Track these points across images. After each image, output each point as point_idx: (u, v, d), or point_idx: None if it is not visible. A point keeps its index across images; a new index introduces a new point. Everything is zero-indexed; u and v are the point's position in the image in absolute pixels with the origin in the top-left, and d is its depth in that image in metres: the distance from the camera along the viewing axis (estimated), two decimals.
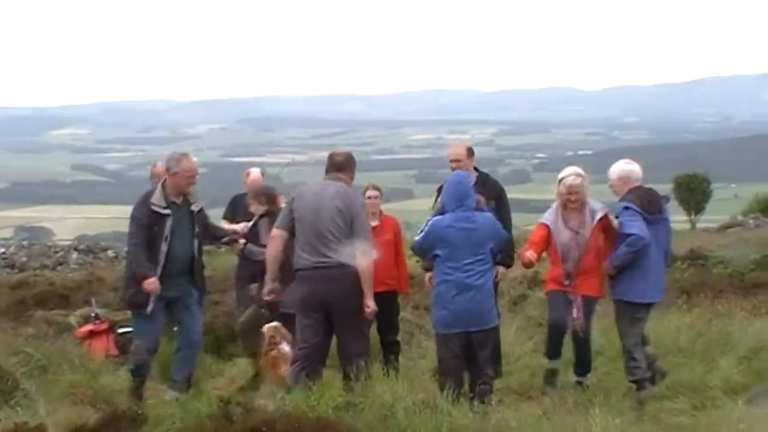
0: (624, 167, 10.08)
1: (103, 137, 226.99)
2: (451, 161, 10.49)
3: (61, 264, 28.60)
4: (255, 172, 13.25)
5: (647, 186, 10.01)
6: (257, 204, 11.24)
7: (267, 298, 9.33)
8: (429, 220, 9.13)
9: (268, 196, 11.12)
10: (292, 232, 8.98)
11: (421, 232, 9.05)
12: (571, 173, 9.95)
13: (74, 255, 29.81)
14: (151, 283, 9.51)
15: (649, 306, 9.87)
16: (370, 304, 8.80)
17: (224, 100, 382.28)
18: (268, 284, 9.21)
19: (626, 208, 9.71)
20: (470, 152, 10.72)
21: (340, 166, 9.12)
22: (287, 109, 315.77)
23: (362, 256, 8.74)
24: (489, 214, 9.16)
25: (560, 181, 9.91)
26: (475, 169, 10.51)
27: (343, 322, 8.79)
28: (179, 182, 9.73)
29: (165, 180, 9.79)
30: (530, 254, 9.65)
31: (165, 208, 9.66)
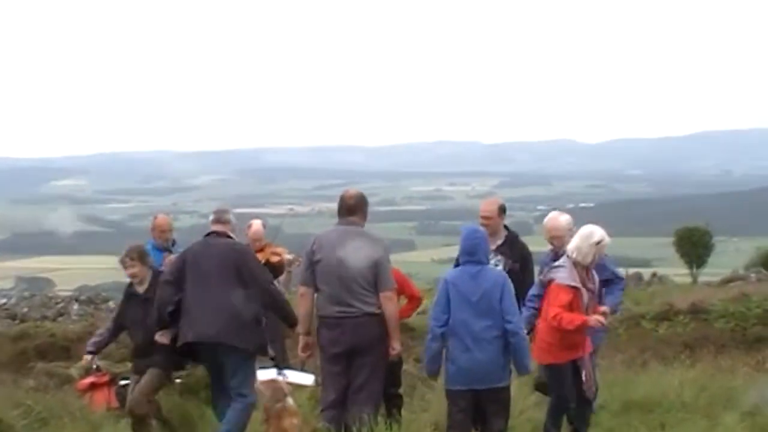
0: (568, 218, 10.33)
1: (103, 188, 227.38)
2: (482, 218, 10.44)
3: (62, 315, 28.57)
4: (257, 224, 13.31)
5: None
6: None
7: (302, 354, 9.54)
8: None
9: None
10: (317, 285, 9.03)
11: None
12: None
13: (75, 306, 29.79)
14: None
15: None
16: (396, 346, 8.97)
17: (225, 151, 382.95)
18: (302, 339, 9.32)
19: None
20: (502, 210, 10.63)
21: (353, 209, 9.13)
22: (288, 160, 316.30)
23: (387, 301, 8.86)
24: (500, 270, 9.15)
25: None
26: (506, 227, 10.47)
27: (364, 366, 8.85)
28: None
29: None
30: (596, 318, 9.26)
31: None
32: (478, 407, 8.85)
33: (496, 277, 8.90)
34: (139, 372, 9.92)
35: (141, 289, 9.93)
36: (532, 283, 10.09)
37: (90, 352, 10.33)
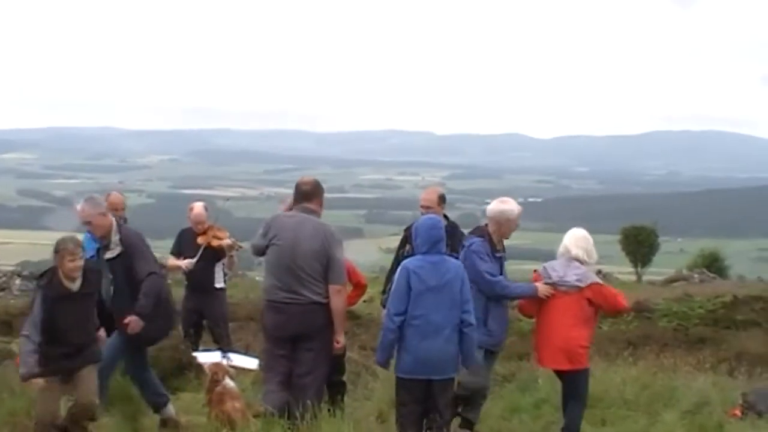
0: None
1: (50, 163, 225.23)
2: (423, 206, 10.47)
3: (3, 290, 28.23)
4: (198, 206, 13.23)
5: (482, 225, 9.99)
6: None
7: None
8: (396, 268, 9.16)
9: None
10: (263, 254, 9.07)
11: (389, 281, 9.02)
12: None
13: (17, 281, 29.44)
14: None
15: None
16: (341, 340, 8.97)
17: (175, 131, 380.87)
18: None
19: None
20: (442, 199, 10.68)
21: (309, 195, 9.12)
22: (238, 143, 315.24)
23: (336, 294, 8.85)
24: (459, 263, 9.12)
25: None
26: (445, 217, 10.46)
27: (307, 353, 8.83)
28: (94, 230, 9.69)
29: None
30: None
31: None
32: (428, 397, 8.84)
33: (456, 268, 8.89)
34: (68, 374, 8.99)
35: (75, 286, 8.99)
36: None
37: (36, 375, 8.87)
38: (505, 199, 10.02)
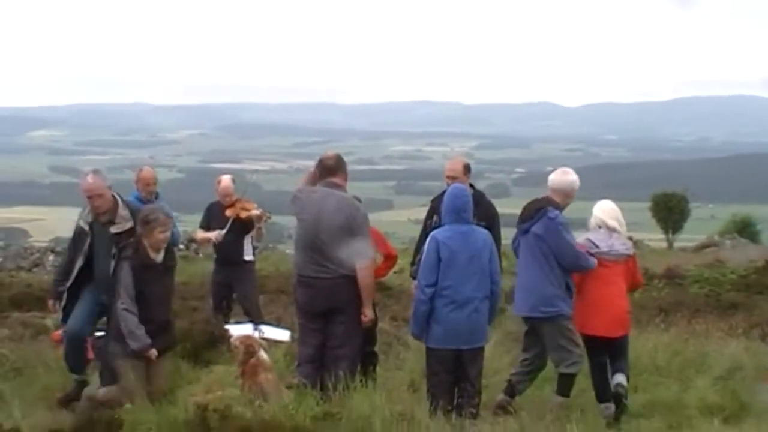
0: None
1: (80, 139, 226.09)
2: (448, 177, 10.45)
3: (37, 266, 28.46)
4: (226, 179, 13.29)
5: (547, 196, 9.80)
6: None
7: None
8: (424, 239, 9.21)
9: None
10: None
11: (417, 253, 9.04)
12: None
13: (51, 257, 29.67)
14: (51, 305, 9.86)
15: (527, 320, 9.74)
16: (368, 313, 8.98)
17: (203, 106, 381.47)
18: None
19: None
20: (467, 168, 10.65)
21: (332, 170, 9.13)
22: (267, 116, 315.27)
23: (363, 268, 8.83)
24: (487, 232, 9.13)
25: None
26: (471, 186, 10.42)
27: (339, 326, 8.88)
28: (88, 200, 9.43)
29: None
30: None
31: (87, 224, 9.51)
32: (458, 367, 8.88)
33: (484, 238, 8.92)
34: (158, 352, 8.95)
35: (159, 258, 9.03)
36: (498, 241, 10.04)
37: (150, 347, 8.88)
38: (567, 170, 10.09)
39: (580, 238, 9.82)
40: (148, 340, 8.75)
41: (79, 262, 9.34)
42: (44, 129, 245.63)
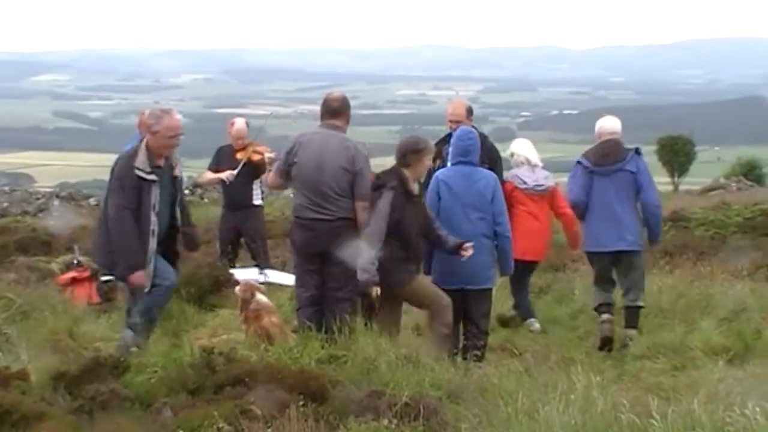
0: (598, 121, 10.53)
1: (84, 84, 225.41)
2: (450, 121, 10.44)
3: (42, 211, 28.53)
4: (240, 122, 13.30)
5: (614, 139, 10.24)
6: None
7: None
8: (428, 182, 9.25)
9: None
10: (287, 178, 9.11)
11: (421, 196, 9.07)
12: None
13: (56, 202, 29.73)
14: (140, 277, 8.65)
15: (611, 254, 10.13)
16: None
17: (206, 51, 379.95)
18: None
19: (577, 163, 10.24)
20: (470, 111, 10.68)
21: (336, 111, 9.07)
22: (272, 61, 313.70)
23: (362, 210, 8.79)
24: (491, 173, 9.15)
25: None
26: (474, 128, 10.42)
27: (337, 267, 8.82)
28: (163, 143, 8.73)
29: (147, 140, 8.77)
30: None
31: (150, 173, 8.63)
32: (463, 308, 8.92)
33: (488, 179, 8.94)
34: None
35: (416, 189, 8.94)
36: (501, 183, 10.07)
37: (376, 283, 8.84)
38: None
39: (506, 174, 10.19)
40: (376, 277, 8.62)
41: (153, 217, 8.61)
42: (48, 74, 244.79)
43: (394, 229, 8.55)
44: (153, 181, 8.59)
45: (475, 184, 8.85)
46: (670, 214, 19.22)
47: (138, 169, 8.53)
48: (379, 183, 8.76)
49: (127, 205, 8.53)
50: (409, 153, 8.81)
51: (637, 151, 10.25)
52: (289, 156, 8.99)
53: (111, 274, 9.21)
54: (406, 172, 8.77)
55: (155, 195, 8.61)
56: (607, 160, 10.01)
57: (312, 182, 8.84)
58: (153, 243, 8.64)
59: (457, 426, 6.09)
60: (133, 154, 8.68)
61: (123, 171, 8.63)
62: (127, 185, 8.57)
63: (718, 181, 37.64)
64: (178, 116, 8.91)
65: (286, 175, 9.05)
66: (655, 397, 6.19)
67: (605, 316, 10.05)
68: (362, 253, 8.52)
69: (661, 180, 45.79)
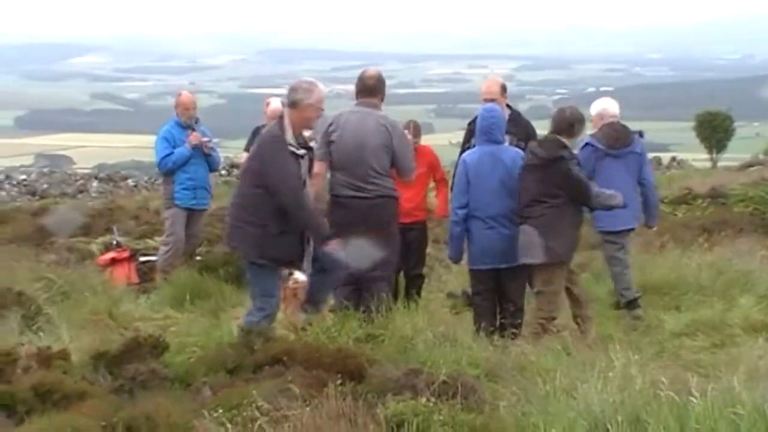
0: (599, 103, 10.54)
1: (121, 66, 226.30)
2: (484, 99, 10.40)
3: (81, 192, 28.76)
4: (275, 102, 13.29)
5: (618, 122, 10.34)
6: None
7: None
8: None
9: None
10: (331, 162, 9.05)
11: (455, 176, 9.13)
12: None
13: (94, 183, 29.96)
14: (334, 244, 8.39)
15: (621, 233, 10.23)
16: None
17: (242, 31, 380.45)
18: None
19: (585, 144, 10.13)
20: (503, 89, 10.58)
21: (373, 89, 9.09)
22: (306, 40, 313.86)
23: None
24: (518, 151, 9.12)
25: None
26: (508, 106, 10.35)
27: (376, 245, 8.81)
28: (311, 116, 8.39)
29: (284, 116, 8.40)
30: None
31: (299, 148, 8.30)
32: (499, 286, 8.93)
33: (513, 156, 8.93)
34: None
35: None
36: None
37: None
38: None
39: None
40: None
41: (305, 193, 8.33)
42: (85, 56, 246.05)
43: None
44: (302, 156, 8.33)
45: (501, 162, 8.85)
46: (709, 190, 19.12)
47: (291, 145, 8.23)
48: (554, 155, 8.84)
49: (296, 182, 8.20)
50: (577, 123, 9.11)
51: (641, 134, 10.39)
52: (327, 136, 8.99)
53: (260, 264, 8.38)
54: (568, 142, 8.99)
55: (304, 170, 8.36)
56: (620, 143, 10.08)
57: (353, 161, 8.84)
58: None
59: (495, 404, 6.09)
60: (278, 132, 8.31)
61: (276, 150, 8.25)
62: (288, 163, 8.22)
63: (757, 157, 37.28)
64: (323, 87, 8.60)
65: (327, 153, 8.99)
66: (695, 375, 6.16)
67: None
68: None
69: (699, 156, 45.52)
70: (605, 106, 10.46)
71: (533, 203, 8.84)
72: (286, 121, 8.29)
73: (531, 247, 8.80)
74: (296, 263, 8.49)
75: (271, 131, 8.43)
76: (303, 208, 8.18)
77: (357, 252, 8.62)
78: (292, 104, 8.36)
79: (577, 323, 9.37)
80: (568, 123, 8.95)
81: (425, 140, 10.55)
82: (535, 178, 8.84)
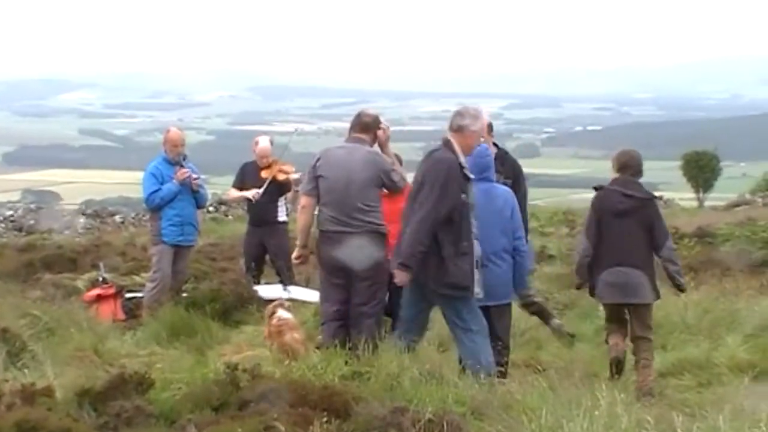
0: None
1: (110, 102, 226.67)
2: None
3: (68, 228, 28.69)
4: (263, 141, 13.35)
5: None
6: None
7: (295, 262, 9.73)
8: None
9: None
10: (318, 197, 9.06)
11: None
12: None
13: (81, 219, 29.89)
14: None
15: None
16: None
17: (232, 68, 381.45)
18: (299, 250, 9.36)
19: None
20: (490, 128, 10.60)
21: (367, 126, 9.11)
22: (296, 77, 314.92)
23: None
24: (509, 189, 9.15)
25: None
26: (495, 145, 10.38)
27: (364, 282, 8.87)
28: (473, 143, 8.50)
29: (451, 140, 8.42)
30: None
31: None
32: (487, 324, 8.91)
33: (506, 195, 8.95)
34: None
35: None
36: (524, 197, 10.02)
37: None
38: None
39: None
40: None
41: (472, 218, 8.45)
42: (74, 92, 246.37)
43: None
44: (470, 180, 8.40)
45: (494, 200, 8.86)
46: (696, 230, 19.19)
47: (465, 167, 8.34)
48: (650, 195, 9.30)
49: (443, 206, 8.19)
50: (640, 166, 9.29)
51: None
52: (315, 171, 9.03)
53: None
54: None
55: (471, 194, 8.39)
56: None
57: (340, 196, 8.85)
58: (478, 247, 8.47)
59: None
60: (450, 154, 8.36)
61: (454, 170, 8.27)
62: (457, 185, 8.26)
63: (744, 197, 37.46)
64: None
65: (315, 189, 9.05)
66: (680, 414, 6.16)
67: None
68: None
69: (686, 196, 45.71)
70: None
71: (640, 244, 9.07)
72: (456, 146, 8.39)
73: (641, 287, 9.01)
74: (470, 289, 8.41)
75: (441, 154, 8.42)
76: (424, 232, 8.19)
77: (357, 252, 8.72)
78: (458, 129, 8.52)
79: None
80: (641, 165, 9.26)
81: (409, 177, 10.55)
82: (634, 220, 9.06)
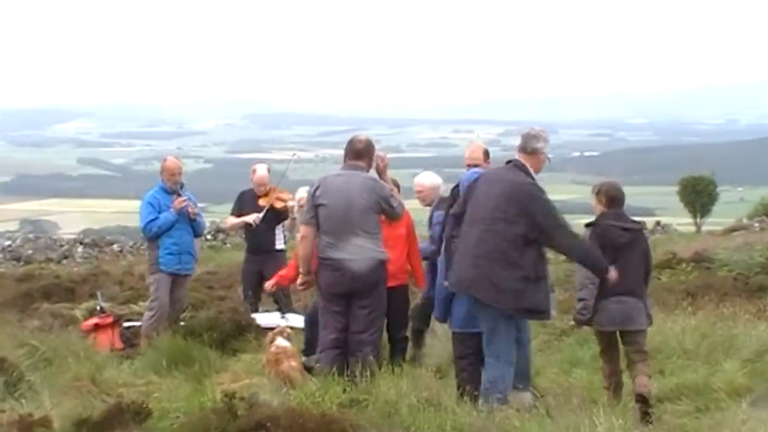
0: (429, 177, 11.27)
1: (108, 131, 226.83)
2: (468, 164, 10.48)
3: (66, 257, 28.71)
4: (261, 170, 13.38)
5: None
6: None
7: (301, 288, 9.83)
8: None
9: None
10: (318, 226, 9.10)
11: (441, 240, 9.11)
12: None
13: (79, 249, 29.89)
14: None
15: None
16: None
17: (229, 97, 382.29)
18: (303, 277, 9.40)
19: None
20: (486, 154, 10.69)
21: (360, 153, 9.20)
22: (293, 105, 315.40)
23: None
24: None
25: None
26: None
27: (363, 309, 8.96)
28: (541, 166, 8.62)
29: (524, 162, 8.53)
30: None
31: None
32: (482, 350, 8.89)
33: None
34: None
35: None
36: None
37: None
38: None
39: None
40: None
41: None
42: (72, 121, 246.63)
43: None
44: None
45: None
46: (693, 255, 19.18)
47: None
48: (642, 226, 9.39)
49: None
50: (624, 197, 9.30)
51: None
52: (314, 199, 9.07)
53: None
54: None
55: None
56: None
57: (339, 223, 8.91)
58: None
59: None
60: (526, 177, 8.44)
61: (541, 191, 8.38)
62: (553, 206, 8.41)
63: (741, 222, 37.45)
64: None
65: (314, 218, 9.09)
66: None
67: None
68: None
69: (683, 221, 45.70)
70: (435, 180, 11.23)
71: (638, 273, 9.11)
72: (530, 168, 8.45)
73: (639, 314, 9.04)
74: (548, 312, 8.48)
75: (526, 179, 8.39)
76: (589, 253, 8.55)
77: (356, 253, 8.84)
78: (533, 152, 8.54)
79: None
80: (624, 195, 9.29)
81: (410, 204, 10.59)
82: (634, 252, 9.06)
